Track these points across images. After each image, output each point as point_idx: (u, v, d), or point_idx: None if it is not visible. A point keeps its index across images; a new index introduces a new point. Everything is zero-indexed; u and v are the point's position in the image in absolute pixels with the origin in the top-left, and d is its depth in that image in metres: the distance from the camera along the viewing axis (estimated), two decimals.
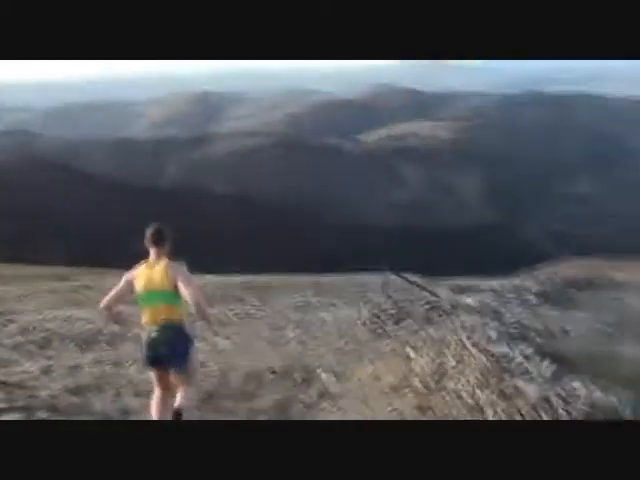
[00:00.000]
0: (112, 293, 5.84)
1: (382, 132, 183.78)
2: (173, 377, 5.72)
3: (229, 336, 11.38)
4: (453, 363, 7.34)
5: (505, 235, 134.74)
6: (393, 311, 12.30)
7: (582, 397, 4.67)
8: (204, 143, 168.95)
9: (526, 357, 6.41)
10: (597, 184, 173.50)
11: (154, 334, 5.61)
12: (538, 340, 9.13)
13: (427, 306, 12.57)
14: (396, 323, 11.49)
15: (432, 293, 15.51)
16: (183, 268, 5.71)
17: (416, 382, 7.45)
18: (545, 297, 17.37)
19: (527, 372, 5.88)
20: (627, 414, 4.52)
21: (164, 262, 5.71)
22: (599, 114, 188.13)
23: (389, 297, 14.65)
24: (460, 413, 5.88)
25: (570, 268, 38.66)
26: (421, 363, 8.09)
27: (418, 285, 17.58)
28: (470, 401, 5.90)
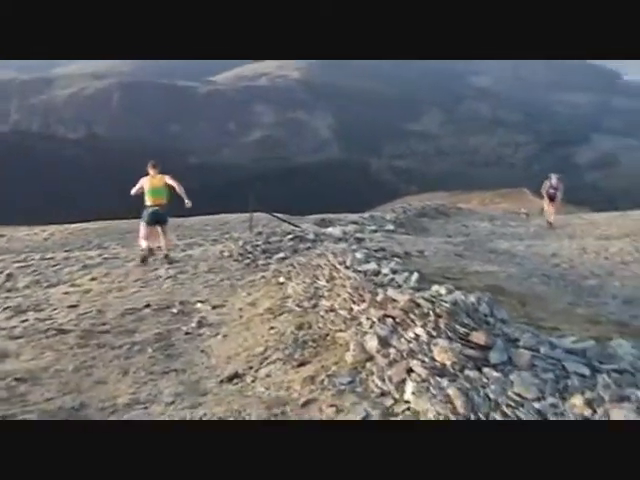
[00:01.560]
0: (136, 189, 12.24)
1: (232, 73, 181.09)
2: (160, 230, 12.33)
3: (96, 277, 11.34)
4: (326, 284, 7.84)
5: (355, 171, 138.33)
6: (262, 245, 12.67)
7: (445, 298, 5.28)
8: (47, 85, 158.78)
9: (394, 272, 7.01)
10: (440, 120, 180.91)
11: (155, 209, 12.18)
12: (399, 261, 9.83)
13: (293, 238, 13.03)
14: (266, 255, 11.89)
15: (296, 226, 16.04)
16: (169, 177, 12.31)
17: (292, 304, 7.89)
18: (401, 226, 18.48)
19: (396, 283, 6.47)
20: (484, 311, 5.20)
21: (160, 175, 12.29)
22: None
23: (257, 232, 15.03)
24: (335, 325, 6.42)
25: (420, 200, 40.82)
26: (295, 287, 8.55)
27: (282, 220, 18.08)
28: (345, 314, 6.44)
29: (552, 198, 21.43)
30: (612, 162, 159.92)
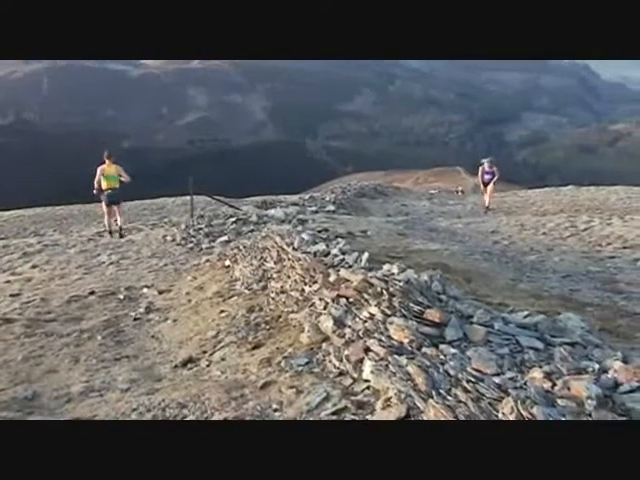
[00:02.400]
0: (97, 179, 14.72)
1: None
2: (115, 210, 14.99)
3: (37, 265, 11.04)
4: (274, 266, 7.82)
5: (291, 152, 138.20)
6: (204, 228, 12.54)
7: (398, 277, 5.34)
8: None
9: (343, 252, 7.04)
10: (373, 101, 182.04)
11: (110, 191, 14.78)
12: (343, 241, 9.87)
13: (236, 221, 12.94)
14: (209, 239, 11.77)
15: (237, 209, 15.93)
16: (120, 167, 14.96)
17: (241, 287, 7.86)
18: (341, 206, 18.56)
19: (347, 263, 6.50)
20: (437, 288, 5.28)
21: (114, 165, 14.84)
22: None
23: (198, 216, 14.85)
24: (287, 306, 6.42)
25: (357, 180, 41.07)
26: (242, 270, 8.50)
27: (224, 202, 17.91)
28: (297, 295, 6.45)
29: (487, 184, 21.04)
30: (542, 139, 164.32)
